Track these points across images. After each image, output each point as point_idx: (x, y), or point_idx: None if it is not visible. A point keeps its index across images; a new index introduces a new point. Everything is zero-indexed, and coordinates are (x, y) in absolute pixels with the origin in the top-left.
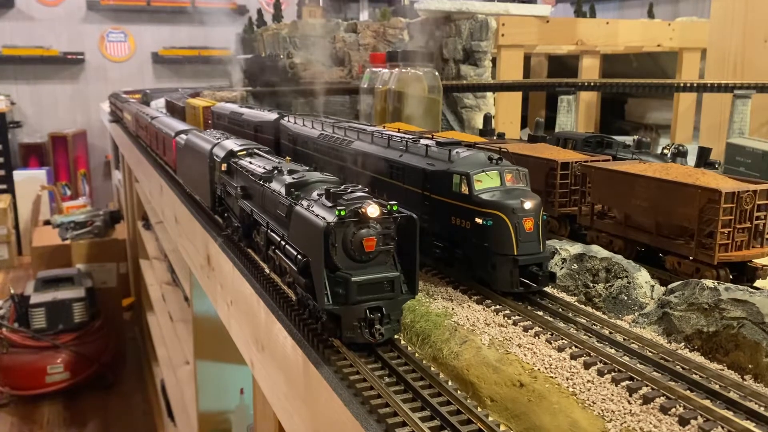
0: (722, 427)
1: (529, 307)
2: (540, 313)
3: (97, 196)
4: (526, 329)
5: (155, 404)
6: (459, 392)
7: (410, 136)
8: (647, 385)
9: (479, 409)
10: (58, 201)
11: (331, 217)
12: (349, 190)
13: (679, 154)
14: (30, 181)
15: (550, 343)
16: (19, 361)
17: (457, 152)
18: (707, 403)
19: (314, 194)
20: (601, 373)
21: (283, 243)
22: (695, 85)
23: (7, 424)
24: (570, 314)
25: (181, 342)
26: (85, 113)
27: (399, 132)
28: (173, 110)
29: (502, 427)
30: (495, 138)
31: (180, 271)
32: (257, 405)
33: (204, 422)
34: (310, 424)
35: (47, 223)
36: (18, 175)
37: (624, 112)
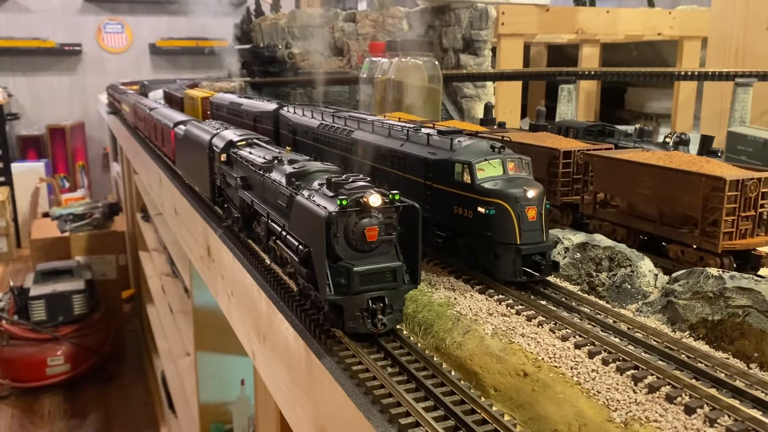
0: (729, 416)
1: (532, 297)
2: (543, 302)
3: (96, 188)
4: (529, 319)
5: (156, 396)
6: (462, 382)
7: (411, 126)
8: (652, 374)
9: (483, 399)
10: (57, 193)
11: (332, 207)
12: (350, 180)
13: (681, 142)
14: (28, 173)
15: (554, 333)
16: (20, 353)
17: (459, 141)
18: (713, 391)
19: (315, 184)
20: (605, 363)
21: (284, 233)
22: (696, 73)
23: (8, 416)
24: (573, 303)
25: (182, 333)
26: (83, 105)
27: (400, 121)
28: (171, 101)
29: (507, 417)
30: (496, 127)
31: (180, 262)
32: (258, 396)
33: (205, 413)
34: (312, 414)
35: (46, 215)
36: (16, 167)
37: (624, 101)
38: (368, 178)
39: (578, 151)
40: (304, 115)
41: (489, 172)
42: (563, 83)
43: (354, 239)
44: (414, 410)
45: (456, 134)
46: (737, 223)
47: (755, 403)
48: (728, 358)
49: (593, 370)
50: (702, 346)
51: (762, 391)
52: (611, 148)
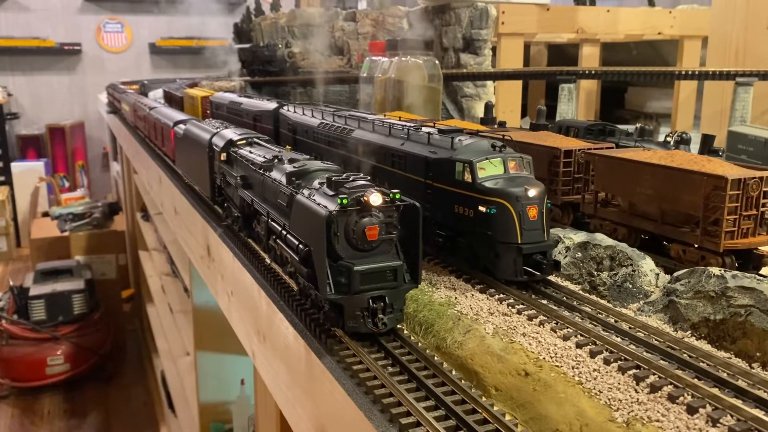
0: (731, 416)
1: (533, 296)
2: (544, 301)
3: (96, 188)
4: (530, 318)
5: (156, 395)
6: (463, 381)
7: (412, 125)
8: (654, 374)
9: (484, 399)
10: (57, 193)
11: (333, 206)
12: (350, 179)
13: (683, 141)
14: (28, 172)
15: (555, 332)
16: (19, 353)
17: (459, 140)
18: (715, 391)
19: (315, 183)
20: (607, 362)
21: (284, 232)
22: (696, 72)
23: (7, 416)
24: (574, 303)
25: (181, 333)
26: (83, 104)
27: (400, 120)
28: (171, 100)
29: (508, 417)
30: (496, 126)
31: (179, 262)
32: (258, 396)
33: (205, 413)
34: (312, 414)
35: (46, 214)
36: (16, 166)
37: (624, 101)
38: (369, 177)
39: (579, 150)
40: (304, 114)
41: (490, 171)
42: (563, 82)
43: (354, 238)
44: (415, 410)
45: (457, 133)
46: (739, 222)
47: (758, 402)
48: (730, 358)
49: (595, 370)
50: (704, 345)
51: (764, 391)
52: (612, 148)
